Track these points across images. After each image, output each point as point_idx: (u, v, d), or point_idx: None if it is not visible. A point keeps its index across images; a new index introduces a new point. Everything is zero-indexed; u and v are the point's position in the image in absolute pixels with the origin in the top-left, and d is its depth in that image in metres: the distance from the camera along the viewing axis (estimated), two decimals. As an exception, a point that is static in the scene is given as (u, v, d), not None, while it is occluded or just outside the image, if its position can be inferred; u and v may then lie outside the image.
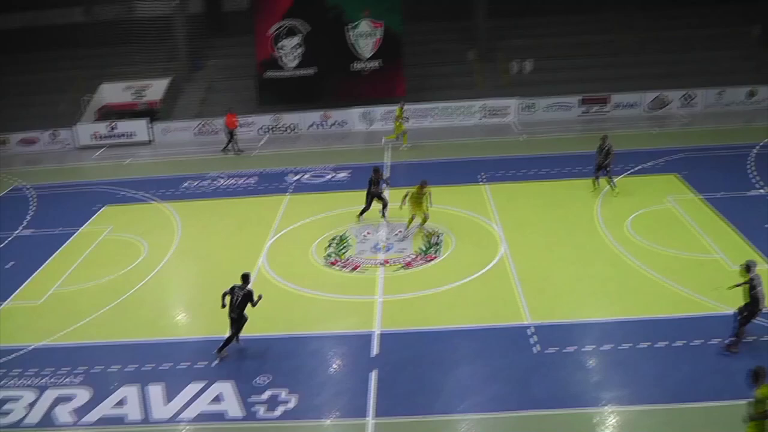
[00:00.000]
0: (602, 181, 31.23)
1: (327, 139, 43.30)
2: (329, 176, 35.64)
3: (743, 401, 15.61)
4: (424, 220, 27.58)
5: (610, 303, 22.64)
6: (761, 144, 36.99)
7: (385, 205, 29.29)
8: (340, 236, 28.02)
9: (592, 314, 21.98)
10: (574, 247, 26.48)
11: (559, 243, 26.81)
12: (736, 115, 43.66)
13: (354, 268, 25.35)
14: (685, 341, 20.23)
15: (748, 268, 19.35)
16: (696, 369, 18.98)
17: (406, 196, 27.43)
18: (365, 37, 44.55)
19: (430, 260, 25.74)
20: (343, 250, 26.74)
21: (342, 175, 35.73)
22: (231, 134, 40.77)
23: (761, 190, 31.12)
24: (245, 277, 20.56)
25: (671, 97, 44.99)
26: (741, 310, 19.40)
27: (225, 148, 40.98)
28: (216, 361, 20.16)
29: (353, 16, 44.30)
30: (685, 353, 19.74)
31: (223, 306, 20.35)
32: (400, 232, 28.07)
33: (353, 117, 44.71)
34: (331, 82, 44.89)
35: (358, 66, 44.86)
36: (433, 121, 44.28)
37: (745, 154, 35.74)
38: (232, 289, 20.26)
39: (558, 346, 20.20)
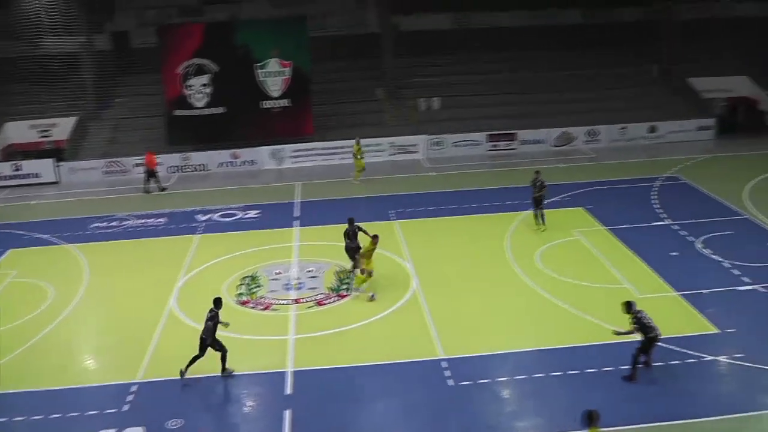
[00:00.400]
0: (536, 215, 31.61)
1: (237, 177, 43.06)
2: (239, 215, 35.40)
3: (657, 424, 16.10)
4: (369, 274, 25.94)
5: (522, 334, 23.00)
6: (663, 177, 38.21)
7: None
8: (252, 276, 27.82)
9: (505, 346, 22.23)
10: (485, 280, 26.88)
11: (470, 277, 27.17)
12: (638, 150, 45.10)
13: (266, 308, 25.21)
14: (596, 369, 20.69)
15: (628, 306, 20.04)
16: (609, 395, 19.38)
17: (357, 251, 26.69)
18: (274, 76, 44.67)
19: (343, 298, 25.77)
20: (254, 290, 26.58)
21: (252, 213, 35.52)
22: (151, 173, 40.29)
23: (665, 221, 32.10)
24: (216, 302, 20.92)
25: (576, 133, 46.20)
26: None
27: (145, 187, 40.42)
28: (125, 407, 19.68)
29: (261, 56, 44.38)
30: (597, 380, 20.19)
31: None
32: (311, 271, 28.02)
33: (263, 155, 44.66)
34: (241, 120, 44.75)
35: (267, 104, 44.90)
36: (342, 159, 44.45)
37: (648, 187, 36.92)
38: (211, 309, 20.71)
39: (472, 379, 20.38)
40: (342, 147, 44.53)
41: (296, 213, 35.11)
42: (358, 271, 26.08)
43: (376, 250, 25.69)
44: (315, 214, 34.72)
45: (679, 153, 44.10)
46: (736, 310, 24.16)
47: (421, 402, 19.54)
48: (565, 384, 20.16)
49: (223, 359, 20.90)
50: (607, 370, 20.60)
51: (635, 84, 51.33)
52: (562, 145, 46.25)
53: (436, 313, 24.26)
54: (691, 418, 18.37)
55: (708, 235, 30.37)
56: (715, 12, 54.44)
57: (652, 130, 47.11)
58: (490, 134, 45.64)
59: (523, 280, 26.84)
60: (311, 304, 25.31)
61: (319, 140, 44.94)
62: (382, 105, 48.86)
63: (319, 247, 30.34)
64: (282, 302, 25.51)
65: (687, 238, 30.40)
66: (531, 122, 46.73)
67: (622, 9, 53.93)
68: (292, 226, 33.23)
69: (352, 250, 26.94)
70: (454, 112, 47.95)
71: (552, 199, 34.89)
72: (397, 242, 30.67)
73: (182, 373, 20.81)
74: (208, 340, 20.60)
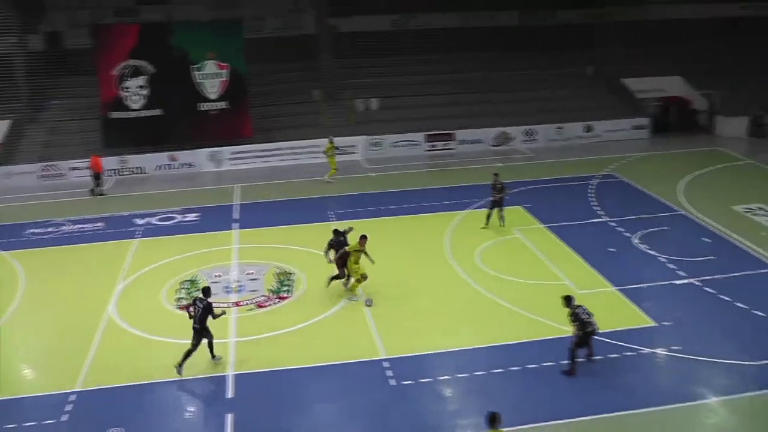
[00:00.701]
0: (490, 215, 31.75)
1: (175, 180, 42.62)
2: (178, 219, 35.03)
3: (597, 417, 16.37)
4: (363, 277, 25.37)
5: (463, 332, 23.13)
6: (600, 175, 38.75)
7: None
8: (191, 279, 27.54)
9: (446, 344, 22.34)
10: (425, 279, 26.99)
11: (410, 276, 27.26)
12: (575, 149, 45.72)
13: (206, 311, 24.98)
14: (537, 365, 20.94)
15: (567, 301, 20.43)
16: (550, 390, 19.71)
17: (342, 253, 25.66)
18: (211, 78, 44.34)
19: (283, 300, 25.67)
20: (194, 294, 26.24)
21: (191, 217, 35.17)
22: (97, 176, 39.66)
23: (602, 218, 32.56)
24: (205, 291, 21.28)
25: (514, 133, 46.64)
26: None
27: (92, 190, 39.79)
28: (64, 417, 19.31)
29: (198, 58, 44.00)
30: (538, 376, 20.47)
31: (190, 317, 21.07)
32: (251, 273, 27.87)
33: (201, 158, 44.26)
34: (178, 122, 44.31)
35: (205, 107, 44.53)
36: (282, 161, 44.28)
37: (585, 185, 37.41)
38: (194, 301, 21.15)
39: (414, 379, 20.47)
40: (280, 149, 44.45)
41: (235, 215, 34.88)
42: (353, 279, 25.54)
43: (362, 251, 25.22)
44: (254, 216, 34.52)
45: (614, 152, 44.82)
46: (672, 303, 24.72)
47: (363, 403, 19.57)
48: (507, 381, 20.37)
49: (211, 346, 21.42)
50: (547, 366, 20.87)
51: (571, 84, 52.08)
52: (500, 145, 46.66)
53: (377, 314, 24.30)
54: (630, 410, 18.75)
55: (644, 231, 30.93)
56: (649, 15, 55.45)
57: (588, 129, 47.80)
58: (429, 134, 45.87)
59: (464, 278, 27.02)
60: (252, 306, 25.19)
61: (258, 142, 44.68)
62: (320, 106, 48.75)
63: (259, 250, 30.19)
64: (222, 305, 25.30)
65: (624, 234, 30.89)
66: (469, 122, 47.06)
67: (558, 11, 54.51)
68: (231, 229, 33.00)
69: (340, 260, 25.74)
70: (392, 113, 48.03)
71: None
72: (338, 243, 30.64)
73: (179, 371, 20.85)
74: (200, 324, 20.98)
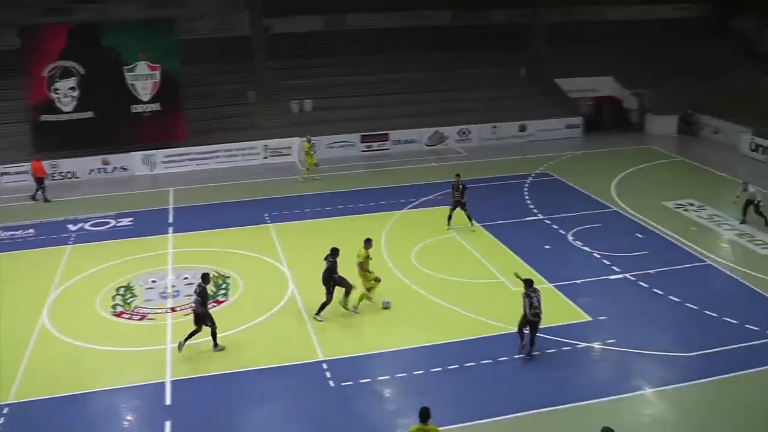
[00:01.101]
0: (455, 216, 31.72)
1: (108, 184, 41.83)
2: (112, 224, 34.43)
3: (535, 412, 16.66)
4: (377, 280, 24.86)
5: (401, 332, 23.29)
6: (534, 174, 39.19)
7: (347, 292, 24.84)
8: (126, 286, 27.17)
9: (384, 345, 22.52)
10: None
11: (347, 277, 27.13)
12: (510, 149, 46.13)
13: (142, 318, 24.70)
14: (474, 362, 21.19)
15: (527, 283, 21.19)
16: (488, 387, 20.09)
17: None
18: (143, 79, 43.69)
19: (220, 304, 25.45)
20: (129, 300, 26.00)
21: (125, 222, 34.57)
22: (39, 182, 38.81)
23: (537, 216, 32.94)
24: (204, 277, 22.12)
25: (448, 132, 46.90)
26: None
27: (34, 196, 38.86)
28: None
29: (130, 58, 43.32)
30: (476, 373, 20.74)
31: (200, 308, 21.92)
32: (186, 278, 27.56)
33: (135, 161, 43.60)
34: (111, 125, 43.48)
35: (137, 109, 43.88)
36: (217, 163, 43.91)
37: (520, 184, 37.83)
38: (199, 284, 21.92)
39: (353, 379, 20.57)
40: (215, 151, 44.01)
41: (170, 219, 34.48)
42: (354, 292, 24.67)
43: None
44: (190, 219, 34.14)
45: (549, 150, 45.34)
46: (607, 298, 25.34)
47: (303, 405, 19.57)
48: (446, 379, 20.58)
49: (214, 335, 22.17)
50: (486, 363, 21.16)
51: (505, 84, 52.48)
52: (435, 145, 46.87)
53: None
54: (569, 403, 19.17)
55: (579, 228, 31.44)
56: (580, 16, 56.36)
57: (523, 128, 48.31)
58: (364, 135, 45.86)
59: (400, 278, 27.15)
60: (188, 311, 24.85)
61: (193, 145, 44.22)
62: (254, 108, 48.43)
63: (194, 254, 29.90)
64: (158, 311, 25.04)
65: (559, 231, 31.33)
66: (404, 122, 47.15)
67: (492, 11, 54.94)
68: (166, 233, 32.59)
69: (332, 283, 24.26)
70: (327, 114, 47.88)
71: (426, 197, 35.40)
72: (273, 246, 30.51)
73: (180, 345, 21.95)
74: (200, 309, 21.87)
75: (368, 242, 24.61)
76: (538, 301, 20.86)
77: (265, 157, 44.58)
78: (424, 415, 15.59)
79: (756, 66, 53.25)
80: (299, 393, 20.11)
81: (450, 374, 20.80)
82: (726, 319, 23.79)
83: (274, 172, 42.45)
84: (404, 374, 20.84)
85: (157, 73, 43.73)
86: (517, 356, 20.92)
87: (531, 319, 20.88)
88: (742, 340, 22.46)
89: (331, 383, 20.44)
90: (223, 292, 26.29)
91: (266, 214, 34.22)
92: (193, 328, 21.92)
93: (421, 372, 20.90)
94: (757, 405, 19.62)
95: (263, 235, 31.63)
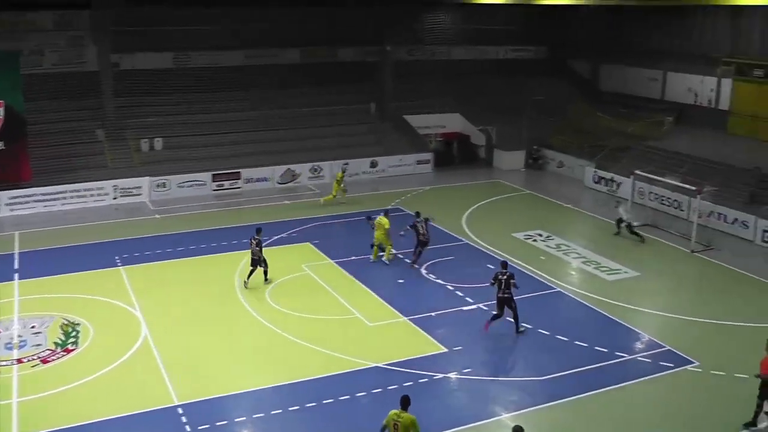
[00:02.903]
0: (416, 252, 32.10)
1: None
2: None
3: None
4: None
5: (257, 372, 23.20)
6: (386, 209, 39.55)
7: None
8: (-32, 336, 25.98)
9: (240, 385, 22.33)
10: (216, 321, 26.81)
11: (201, 319, 26.97)
12: (361, 185, 46.52)
13: (-15, 370, 23.63)
14: (333, 399, 21.36)
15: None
16: (347, 424, 20.27)
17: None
18: (-17, 120, 41.95)
19: (69, 353, 24.61)
20: (-28, 351, 24.88)
21: (-35, 267, 33.09)
22: None
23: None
24: (258, 231, 29.75)
25: (300, 169, 47.06)
26: None
27: None
28: None
29: (-31, 94, 41.42)
30: (334, 410, 20.87)
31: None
32: (34, 327, 26.52)
33: (-25, 204, 41.76)
34: (-51, 166, 41.53)
35: (-23, 147, 42.02)
36: (64, 205, 42.50)
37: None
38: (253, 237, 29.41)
39: (210, 422, 20.31)
40: (63, 192, 42.50)
41: (15, 265, 33.08)
42: (389, 248, 32.32)
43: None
44: (36, 265, 32.78)
45: (400, 186, 46.12)
46: (461, 329, 26.02)
47: (158, 453, 19.13)
48: (304, 417, 20.64)
49: (265, 272, 29.89)
50: (343, 399, 21.32)
51: (356, 121, 53.13)
52: (287, 183, 46.90)
53: (168, 359, 23.88)
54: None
55: (431, 261, 32.08)
56: (426, 55, 58.07)
57: (374, 165, 48.97)
58: (215, 174, 45.39)
59: (255, 317, 27.05)
60: (35, 362, 23.94)
61: (38, 185, 42.68)
62: (103, 146, 47.24)
63: (42, 300, 28.76)
64: (3, 364, 23.97)
65: (412, 265, 31.76)
66: (256, 160, 46.96)
67: (340, 49, 55.63)
68: (12, 280, 31.21)
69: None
70: (177, 152, 47.13)
71: (279, 236, 35.37)
72: (125, 289, 29.73)
73: (245, 283, 29.26)
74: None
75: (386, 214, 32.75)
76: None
77: (115, 198, 43.44)
78: (404, 402, 16.90)
79: (591, 104, 55.94)
80: (155, 440, 19.69)
81: (308, 412, 20.80)
82: (577, 342, 24.92)
83: (124, 212, 41.45)
84: (262, 414, 20.72)
85: (1, 109, 41.96)
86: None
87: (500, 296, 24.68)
88: (593, 362, 23.63)
89: (188, 428, 20.06)
90: (72, 340, 25.37)
91: (117, 257, 33.34)
92: (250, 269, 29.40)
93: (279, 411, 20.83)
94: (610, 423, 20.66)
95: (114, 279, 30.81)
